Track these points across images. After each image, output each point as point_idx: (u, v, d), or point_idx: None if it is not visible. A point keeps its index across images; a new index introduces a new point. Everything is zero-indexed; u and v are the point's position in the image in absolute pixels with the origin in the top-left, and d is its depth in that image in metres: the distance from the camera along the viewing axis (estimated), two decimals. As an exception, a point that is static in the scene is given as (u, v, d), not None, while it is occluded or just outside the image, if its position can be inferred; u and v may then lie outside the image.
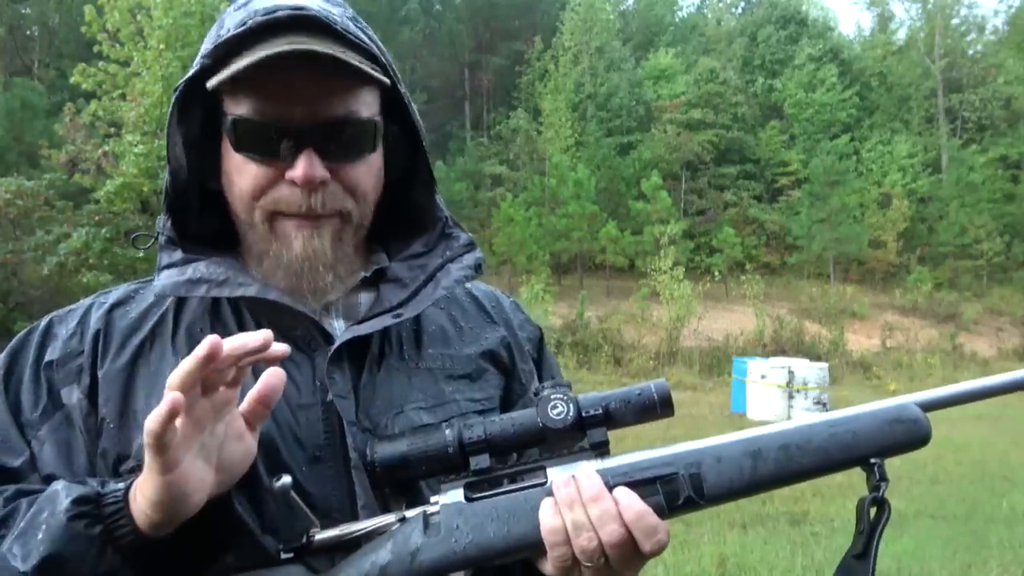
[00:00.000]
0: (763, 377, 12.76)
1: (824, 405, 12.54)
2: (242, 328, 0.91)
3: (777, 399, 12.51)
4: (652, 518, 0.75)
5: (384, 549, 0.77)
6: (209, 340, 0.69)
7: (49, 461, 0.84)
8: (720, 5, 50.15)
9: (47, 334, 0.91)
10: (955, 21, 41.82)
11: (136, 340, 0.90)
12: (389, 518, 0.80)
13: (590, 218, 27.12)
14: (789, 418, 12.27)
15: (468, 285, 1.10)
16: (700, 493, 0.77)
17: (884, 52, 41.73)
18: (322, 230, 0.89)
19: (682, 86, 37.32)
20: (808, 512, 6.66)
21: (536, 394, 0.82)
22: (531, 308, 17.06)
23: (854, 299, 27.39)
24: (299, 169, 0.85)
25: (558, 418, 0.79)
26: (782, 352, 19.28)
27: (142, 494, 0.72)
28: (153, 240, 0.95)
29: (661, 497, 0.77)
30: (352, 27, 0.89)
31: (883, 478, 0.79)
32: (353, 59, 0.84)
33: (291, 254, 0.89)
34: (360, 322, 0.91)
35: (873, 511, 0.79)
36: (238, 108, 0.86)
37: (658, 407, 0.81)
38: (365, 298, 0.97)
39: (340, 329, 0.93)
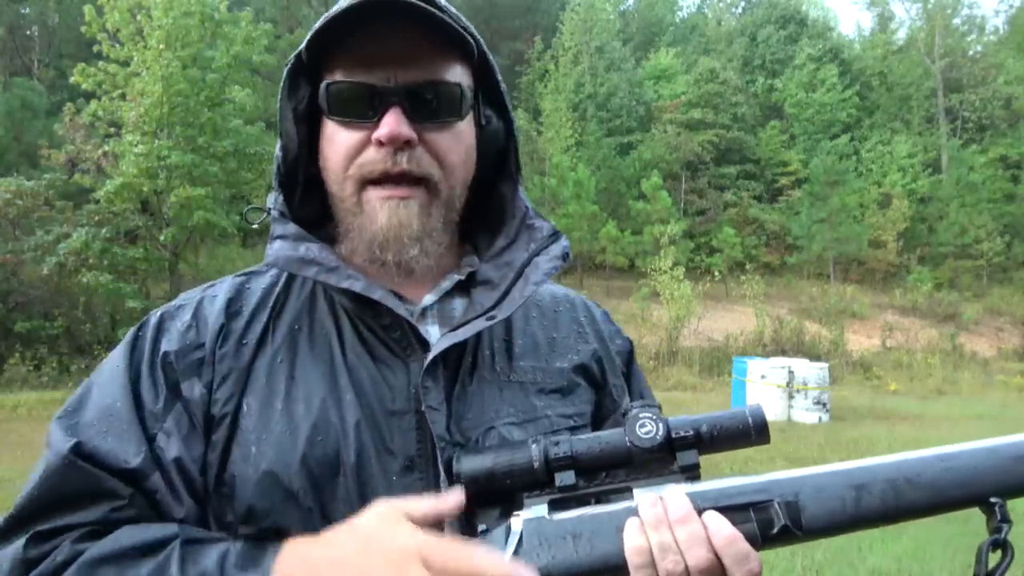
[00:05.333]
0: (763, 377, 12.76)
1: (824, 405, 12.54)
2: (338, 329, 0.91)
3: (777, 399, 12.51)
4: (743, 544, 0.72)
5: None
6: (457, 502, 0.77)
7: (175, 449, 0.83)
8: (720, 5, 50.16)
9: (160, 328, 0.90)
10: (955, 21, 41.83)
11: (251, 342, 0.90)
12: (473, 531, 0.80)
13: (590, 218, 27.11)
14: (789, 419, 12.32)
15: (560, 295, 1.09)
16: (798, 524, 0.74)
17: (884, 52, 41.71)
18: (409, 201, 0.89)
19: (682, 86, 37.31)
20: (808, 512, 6.65)
21: (625, 413, 0.80)
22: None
23: (854, 299, 27.35)
24: (385, 127, 0.86)
25: (646, 437, 0.77)
26: (782, 352, 19.28)
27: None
28: (266, 215, 0.95)
29: (754, 524, 0.74)
30: (452, 11, 0.91)
31: (1004, 519, 0.74)
32: (443, 17, 0.85)
33: (375, 226, 0.89)
34: (454, 328, 0.89)
35: (994, 554, 0.75)
36: (332, 76, 0.89)
37: (752, 433, 0.79)
38: (459, 304, 0.97)
39: (435, 336, 0.92)
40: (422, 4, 0.85)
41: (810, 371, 12.80)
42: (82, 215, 17.32)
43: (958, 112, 39.02)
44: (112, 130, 17.15)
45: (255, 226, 0.99)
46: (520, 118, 35.54)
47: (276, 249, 0.90)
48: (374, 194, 0.89)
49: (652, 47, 42.02)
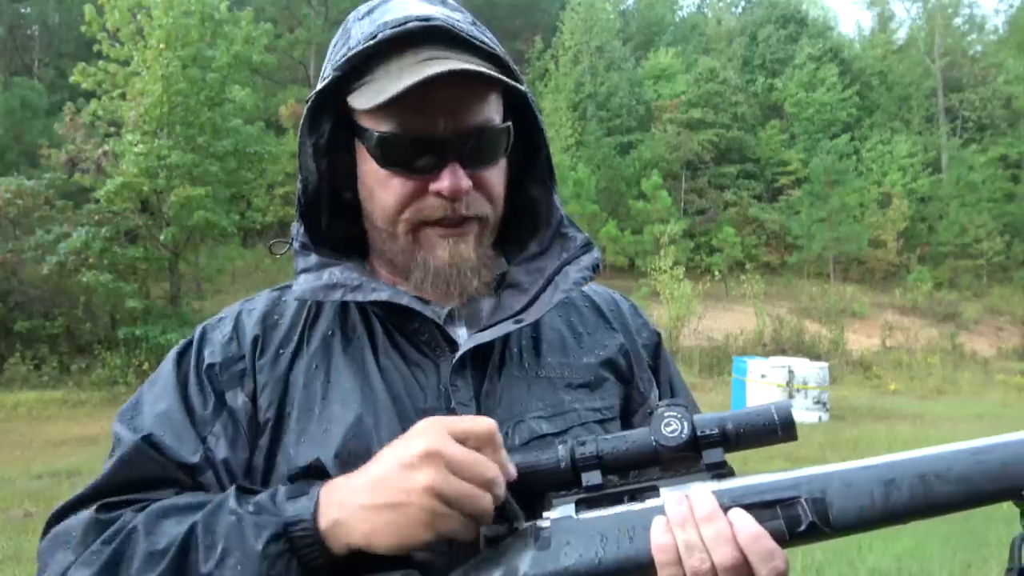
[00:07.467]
0: (763, 377, 12.77)
1: (824, 404, 12.55)
2: (371, 334, 0.94)
3: (777, 399, 12.51)
4: (768, 541, 0.72)
5: (492, 563, 0.76)
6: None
7: (223, 451, 0.89)
8: (720, 5, 50.15)
9: (203, 340, 0.95)
10: (955, 21, 41.86)
11: (288, 352, 0.94)
12: (500, 530, 0.79)
13: (590, 218, 27.12)
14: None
15: (586, 289, 1.09)
16: (825, 520, 0.73)
17: (884, 52, 41.74)
18: (466, 236, 0.92)
19: (682, 86, 37.33)
20: (808, 512, 6.65)
21: (651, 412, 0.80)
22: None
23: (854, 299, 27.37)
24: (446, 181, 0.87)
25: (671, 436, 0.77)
26: (782, 352, 19.27)
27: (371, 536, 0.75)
28: (288, 247, 0.99)
29: (781, 522, 0.73)
30: (476, 32, 0.92)
31: None
32: (488, 68, 0.86)
33: (438, 262, 0.91)
34: (482, 329, 0.92)
35: None
36: (381, 125, 0.88)
37: (779, 430, 0.78)
38: (487, 305, 0.98)
39: (463, 336, 0.95)
40: (455, 31, 0.87)
41: (810, 371, 12.82)
42: (82, 215, 17.33)
43: (958, 112, 39.03)
44: (112, 130, 17.17)
45: (279, 256, 1.03)
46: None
47: (301, 283, 0.93)
48: (431, 232, 0.91)
49: (652, 47, 42.02)
